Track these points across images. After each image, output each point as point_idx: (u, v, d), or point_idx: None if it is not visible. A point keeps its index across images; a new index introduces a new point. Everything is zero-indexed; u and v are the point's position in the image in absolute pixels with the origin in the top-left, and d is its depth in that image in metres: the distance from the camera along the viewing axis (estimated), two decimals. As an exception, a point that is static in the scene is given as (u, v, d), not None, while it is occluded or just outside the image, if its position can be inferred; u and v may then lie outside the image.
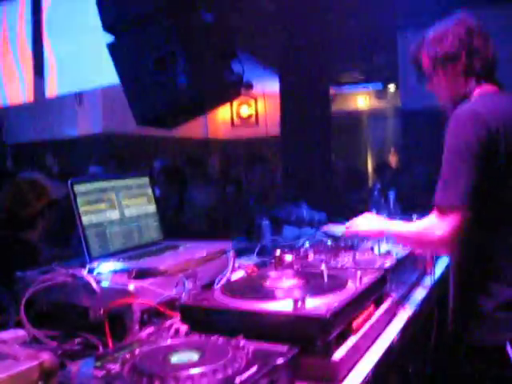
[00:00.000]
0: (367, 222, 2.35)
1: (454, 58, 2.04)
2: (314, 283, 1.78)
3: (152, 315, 1.87)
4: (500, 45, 2.11)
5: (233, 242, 3.01)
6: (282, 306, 1.56)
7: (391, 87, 9.87)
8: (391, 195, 3.59)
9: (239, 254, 2.86)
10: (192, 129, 9.63)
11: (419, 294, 2.36)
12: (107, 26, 3.32)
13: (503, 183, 1.94)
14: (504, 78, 2.12)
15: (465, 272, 2.09)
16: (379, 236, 2.31)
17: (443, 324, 2.25)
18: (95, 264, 2.04)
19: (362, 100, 10.86)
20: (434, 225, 1.93)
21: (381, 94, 10.38)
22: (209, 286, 2.13)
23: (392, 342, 1.83)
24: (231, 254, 2.28)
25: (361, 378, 1.56)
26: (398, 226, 2.23)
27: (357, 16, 6.92)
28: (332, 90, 9.66)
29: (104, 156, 6.85)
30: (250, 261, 2.69)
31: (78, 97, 8.50)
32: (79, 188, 2.15)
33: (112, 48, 3.40)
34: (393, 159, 9.37)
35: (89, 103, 8.66)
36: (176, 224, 4.64)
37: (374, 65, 8.89)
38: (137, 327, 1.81)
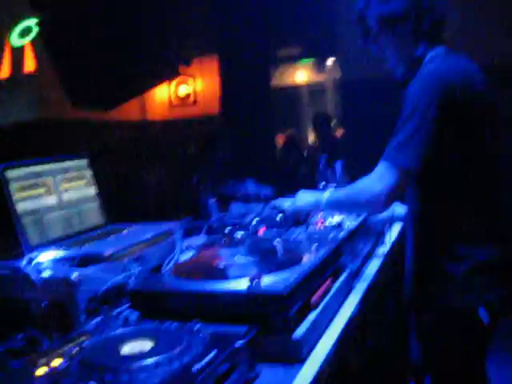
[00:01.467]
0: (302, 198, 2.27)
1: (402, 17, 1.96)
2: (268, 259, 1.70)
3: (99, 304, 1.76)
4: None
5: (180, 222, 2.92)
6: (237, 285, 1.48)
7: (330, 59, 9.84)
8: (338, 165, 3.54)
9: (188, 234, 2.76)
10: (129, 111, 9.40)
11: (374, 264, 2.32)
12: (37, 4, 3.18)
13: (466, 142, 1.88)
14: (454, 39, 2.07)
15: (428, 237, 2.02)
16: (316, 208, 2.21)
17: (399, 294, 2.22)
18: (34, 254, 1.90)
19: (301, 74, 10.80)
20: (371, 181, 1.88)
21: (319, 67, 10.34)
22: (157, 269, 2.03)
23: (352, 316, 1.77)
24: (178, 234, 2.18)
25: (324, 354, 1.50)
26: (332, 192, 2.14)
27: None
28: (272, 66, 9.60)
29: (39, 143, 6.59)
30: (199, 240, 2.59)
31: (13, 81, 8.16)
32: (12, 173, 2.00)
33: (42, 26, 3.24)
34: (337, 131, 9.36)
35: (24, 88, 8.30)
36: (122, 206, 4.50)
37: (311, 38, 8.82)
38: (84, 317, 1.70)
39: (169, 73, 3.87)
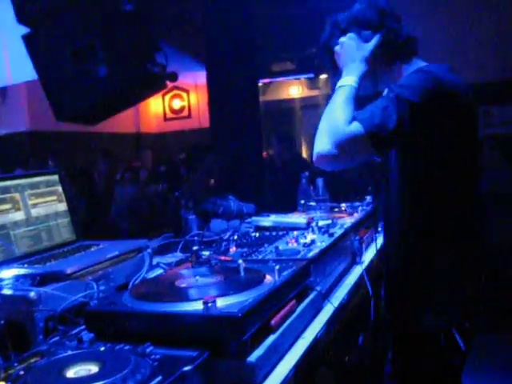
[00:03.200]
0: None
1: (381, 39, 1.96)
2: (229, 280, 1.67)
3: (58, 323, 1.72)
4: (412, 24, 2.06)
5: (159, 238, 2.89)
6: (193, 306, 1.45)
7: (323, 76, 9.86)
8: (319, 183, 3.53)
9: (165, 250, 2.73)
10: (123, 124, 9.41)
11: (347, 285, 2.28)
12: (22, 17, 3.16)
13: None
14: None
15: (405, 262, 2.00)
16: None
17: (378, 312, 2.19)
18: (-4, 270, 1.87)
19: (294, 89, 10.83)
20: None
21: (313, 83, 10.37)
22: (125, 286, 2.00)
23: (316, 338, 1.74)
24: (147, 252, 2.15)
25: (281, 379, 1.47)
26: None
27: (286, 6, 6.86)
28: (264, 80, 9.62)
29: (27, 155, 6.57)
30: (174, 258, 2.56)
31: (2, 93, 8.14)
32: (-23, 189, 1.98)
33: (27, 40, 3.22)
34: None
35: (13, 99, 8.29)
36: (101, 223, 4.47)
37: (305, 55, 8.86)
38: (41, 337, 1.67)
39: (155, 87, 3.83)
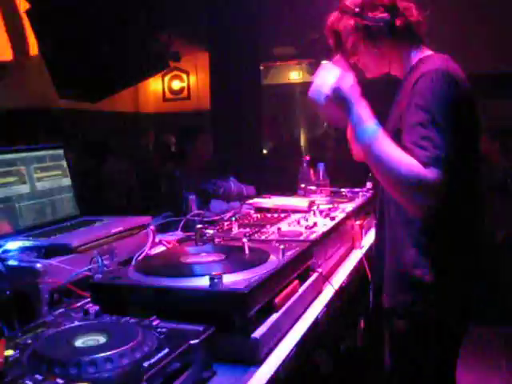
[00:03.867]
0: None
1: (388, 27, 1.95)
2: (234, 258, 1.69)
3: (64, 295, 1.74)
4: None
5: (159, 216, 2.90)
6: (199, 282, 1.47)
7: (324, 62, 9.85)
8: (320, 167, 3.54)
9: (165, 229, 2.75)
10: (122, 103, 9.37)
11: (347, 268, 2.31)
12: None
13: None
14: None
15: (408, 247, 1.96)
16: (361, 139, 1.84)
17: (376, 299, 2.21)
18: (2, 242, 1.89)
19: (295, 74, 10.79)
20: (424, 170, 1.68)
21: (314, 69, 10.36)
22: (128, 262, 2.02)
23: (316, 319, 1.77)
24: (150, 228, 2.17)
25: (283, 357, 1.49)
26: (385, 139, 1.80)
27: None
28: (264, 64, 9.59)
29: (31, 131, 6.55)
30: (175, 236, 2.58)
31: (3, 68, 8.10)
32: (-17, 160, 1.99)
33: (30, 15, 3.20)
34: (325, 131, 9.37)
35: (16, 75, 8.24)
36: (101, 199, 4.48)
37: (306, 40, 8.83)
38: (46, 308, 1.69)
39: (158, 67, 3.84)
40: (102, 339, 1.26)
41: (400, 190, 1.76)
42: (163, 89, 11.03)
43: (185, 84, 10.87)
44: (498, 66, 6.52)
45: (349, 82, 1.86)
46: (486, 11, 6.43)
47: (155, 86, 10.90)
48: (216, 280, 1.42)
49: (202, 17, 6.79)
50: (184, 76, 10.88)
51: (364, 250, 2.57)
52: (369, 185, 3.39)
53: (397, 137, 1.85)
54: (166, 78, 10.89)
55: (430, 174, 1.68)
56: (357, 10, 1.99)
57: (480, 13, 6.41)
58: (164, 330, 1.32)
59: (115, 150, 6.09)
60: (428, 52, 2.02)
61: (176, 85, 10.99)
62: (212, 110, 6.70)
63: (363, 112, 1.83)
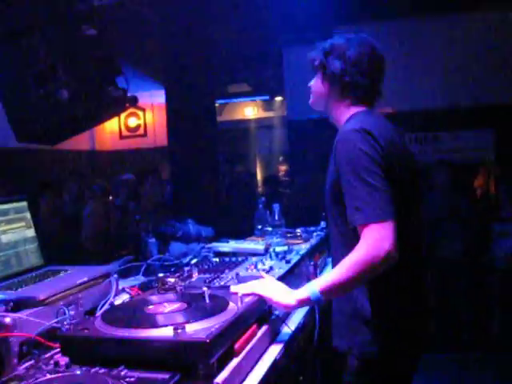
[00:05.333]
0: (275, 290, 2.00)
1: (338, 78, 2.11)
2: (195, 306, 1.79)
3: (32, 347, 1.81)
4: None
5: (120, 261, 2.98)
6: (163, 332, 1.57)
7: (278, 99, 10.08)
8: (276, 208, 3.67)
9: (126, 273, 2.83)
10: (78, 141, 9.40)
11: (302, 310, 2.41)
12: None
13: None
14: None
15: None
16: (313, 303, 1.98)
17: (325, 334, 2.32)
18: (-31, 296, 1.95)
19: (250, 110, 11.01)
20: (373, 245, 1.83)
21: (268, 105, 10.58)
22: (93, 311, 2.10)
23: (275, 360, 1.88)
24: (113, 278, 2.25)
25: (244, 400, 1.60)
26: (326, 277, 1.96)
27: (243, 30, 7.04)
28: (219, 101, 9.78)
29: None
30: (136, 281, 2.67)
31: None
32: (-50, 216, 2.05)
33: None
34: (280, 169, 9.58)
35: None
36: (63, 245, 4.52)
37: (261, 77, 9.05)
38: (15, 361, 1.75)
39: (116, 110, 3.91)
40: (73, 392, 1.35)
41: (376, 273, 1.89)
42: (119, 126, 11.09)
43: (141, 121, 10.97)
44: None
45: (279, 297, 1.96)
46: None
47: (111, 123, 10.95)
48: (179, 330, 1.53)
49: (158, 55, 6.95)
50: (140, 113, 10.98)
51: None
52: (323, 224, 3.54)
53: (333, 190, 2.02)
54: (122, 116, 10.95)
55: (377, 245, 1.82)
56: (327, 49, 2.16)
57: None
58: (132, 379, 1.41)
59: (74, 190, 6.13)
60: (359, 109, 2.15)
61: (132, 122, 11.08)
62: (169, 146, 6.80)
63: (302, 295, 1.93)
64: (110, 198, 5.93)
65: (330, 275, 1.95)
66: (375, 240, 1.83)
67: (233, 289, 1.99)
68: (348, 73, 2.10)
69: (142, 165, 9.26)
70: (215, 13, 6.38)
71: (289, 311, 2.19)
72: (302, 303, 1.95)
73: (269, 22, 6.52)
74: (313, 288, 1.91)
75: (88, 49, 3.59)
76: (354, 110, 2.15)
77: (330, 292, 1.92)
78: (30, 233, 2.39)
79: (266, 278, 2.13)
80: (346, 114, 2.16)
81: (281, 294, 1.96)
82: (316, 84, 2.23)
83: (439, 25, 6.87)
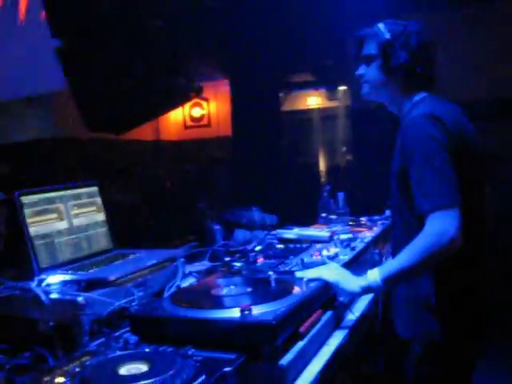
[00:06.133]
0: (340, 276, 2.00)
1: (405, 69, 2.07)
2: (261, 289, 1.81)
3: (102, 326, 1.87)
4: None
5: (185, 247, 3.03)
6: (230, 314, 1.59)
7: (341, 88, 9.98)
8: (340, 196, 3.66)
9: (192, 259, 2.88)
10: (144, 131, 9.57)
11: (367, 297, 2.40)
12: (56, 32, 3.28)
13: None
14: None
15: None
16: (372, 291, 2.00)
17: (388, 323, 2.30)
18: (44, 276, 2.03)
19: (313, 100, 10.94)
20: (438, 232, 1.82)
21: (332, 94, 10.49)
22: (160, 293, 2.15)
23: (339, 345, 1.88)
24: (180, 261, 2.30)
25: (308, 382, 1.61)
26: (389, 264, 1.98)
27: (307, 18, 7.00)
28: (282, 91, 9.77)
29: (53, 161, 6.74)
30: (202, 266, 2.71)
31: (27, 101, 8.33)
32: (26, 199, 2.14)
33: (60, 53, 3.35)
34: (344, 158, 9.51)
35: (38, 107, 8.48)
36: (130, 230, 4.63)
37: (324, 67, 8.99)
38: (87, 338, 1.81)
39: (181, 100, 3.99)
40: (144, 368, 1.39)
41: (440, 259, 1.88)
42: (184, 116, 11.22)
43: (205, 111, 11.06)
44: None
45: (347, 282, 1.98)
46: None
47: (176, 114, 11.09)
48: (246, 312, 1.55)
49: (222, 45, 6.99)
50: (204, 103, 11.07)
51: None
52: (387, 213, 3.50)
53: (400, 174, 1.99)
54: (187, 106, 11.06)
55: (443, 232, 1.81)
56: (388, 37, 2.10)
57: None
58: (199, 358, 1.44)
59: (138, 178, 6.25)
60: (424, 95, 2.12)
61: (196, 112, 11.17)
62: (233, 137, 6.85)
63: (365, 283, 1.94)
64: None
65: (394, 262, 1.96)
66: (441, 226, 1.82)
67: (298, 274, 2.01)
68: (414, 62, 2.07)
69: (207, 154, 9.36)
70: (278, 2, 6.37)
71: (353, 298, 2.18)
72: (366, 290, 1.96)
73: (331, 11, 6.46)
74: (374, 276, 1.92)
75: (155, 40, 3.65)
76: (417, 96, 2.12)
77: (392, 280, 1.92)
78: (101, 217, 2.47)
79: (331, 264, 2.13)
80: (410, 102, 2.13)
81: (346, 281, 1.97)
82: (372, 73, 2.18)
83: None
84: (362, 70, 2.22)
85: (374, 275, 1.92)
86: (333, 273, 2.00)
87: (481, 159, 2.12)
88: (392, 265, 1.95)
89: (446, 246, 1.81)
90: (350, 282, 1.97)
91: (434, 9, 5.99)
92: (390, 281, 1.92)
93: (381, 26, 2.12)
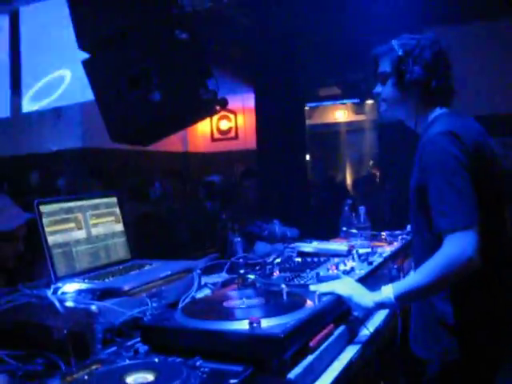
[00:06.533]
0: (354, 291, 1.99)
1: (420, 84, 2.05)
2: (273, 302, 1.81)
3: (115, 335, 1.89)
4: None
5: (205, 258, 3.04)
6: (239, 326, 1.59)
7: (369, 102, 9.98)
8: (361, 210, 3.63)
9: (211, 271, 2.89)
10: (172, 143, 9.66)
11: (383, 312, 2.38)
12: (83, 44, 3.33)
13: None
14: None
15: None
16: (385, 307, 2.01)
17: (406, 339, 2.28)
18: (60, 284, 2.06)
19: (340, 114, 10.96)
20: (455, 251, 1.80)
21: (359, 108, 10.49)
22: (174, 305, 2.16)
23: (351, 361, 1.86)
24: (197, 273, 2.31)
25: (317, 397, 1.60)
26: (404, 281, 2.00)
27: (334, 31, 7.01)
28: (310, 104, 9.80)
29: (83, 171, 6.84)
30: (220, 278, 2.71)
31: (57, 112, 8.48)
32: (45, 208, 2.17)
33: (87, 65, 3.42)
34: (372, 172, 9.48)
35: (68, 118, 8.62)
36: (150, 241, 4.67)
37: (351, 80, 8.99)
38: (99, 347, 1.83)
39: (206, 113, 4.01)
40: (150, 377, 1.40)
41: (457, 279, 1.87)
42: (211, 129, 11.30)
43: (232, 124, 11.11)
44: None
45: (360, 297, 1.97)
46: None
47: (203, 126, 11.18)
48: (255, 324, 1.55)
49: (248, 58, 7.03)
50: (231, 116, 11.13)
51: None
52: (409, 227, 3.47)
53: (418, 191, 1.98)
54: (214, 118, 11.15)
55: (460, 252, 1.79)
56: (401, 53, 2.08)
57: None
58: (206, 369, 1.44)
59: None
60: (441, 111, 2.10)
61: (224, 125, 11.24)
62: (258, 149, 6.88)
63: (379, 298, 1.93)
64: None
65: (408, 280, 1.96)
66: (458, 246, 1.81)
67: (312, 288, 2.00)
68: (429, 77, 2.05)
69: (233, 166, 9.39)
70: (305, 15, 6.39)
71: (367, 313, 2.17)
72: (379, 306, 1.95)
73: (358, 24, 6.46)
74: (388, 292, 1.90)
75: (180, 52, 3.69)
76: (436, 112, 2.11)
77: (405, 297, 1.91)
78: (119, 227, 2.50)
79: (346, 278, 2.12)
80: (429, 118, 2.12)
81: (360, 296, 1.96)
82: (388, 91, 2.16)
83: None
84: (378, 88, 2.21)
85: (387, 291, 1.91)
86: (347, 287, 1.99)
87: (501, 177, 2.09)
88: (407, 282, 1.95)
89: (463, 267, 1.80)
90: (364, 296, 1.96)
91: (458, 21, 5.95)
92: (403, 298, 1.90)
93: (394, 42, 2.12)
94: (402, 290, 1.90)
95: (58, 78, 5.12)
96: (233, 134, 11.08)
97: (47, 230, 2.15)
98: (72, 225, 2.27)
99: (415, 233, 2.16)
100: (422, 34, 2.15)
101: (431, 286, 1.87)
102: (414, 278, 1.92)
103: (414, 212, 2.11)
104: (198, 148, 11.35)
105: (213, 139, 11.28)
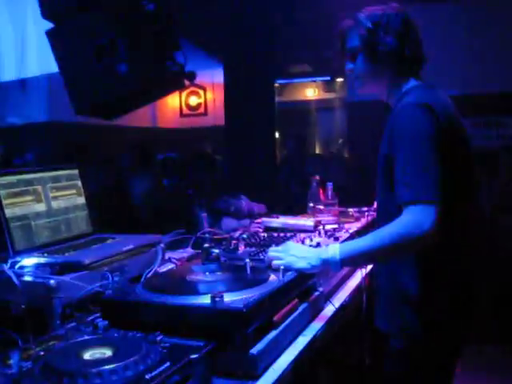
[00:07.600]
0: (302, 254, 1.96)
1: (394, 54, 2.00)
2: (236, 277, 1.78)
3: (75, 310, 1.84)
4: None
5: (172, 233, 3.00)
6: (201, 300, 1.56)
7: (339, 80, 9.94)
8: (329, 187, 3.62)
9: (176, 246, 2.85)
10: (140, 118, 9.53)
11: (349, 287, 2.38)
12: (46, 14, 3.24)
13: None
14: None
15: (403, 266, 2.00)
16: (327, 268, 1.96)
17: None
18: (18, 258, 1.99)
19: (310, 91, 10.90)
20: (413, 222, 1.78)
21: (329, 86, 10.45)
22: (138, 278, 2.12)
23: (315, 336, 1.85)
24: (160, 247, 2.26)
25: (279, 372, 1.57)
26: (353, 243, 1.96)
27: (305, 9, 6.94)
28: (280, 81, 9.73)
29: (48, 145, 6.70)
30: (185, 253, 2.68)
31: (22, 84, 8.28)
32: (2, 180, 2.10)
33: (51, 35, 3.32)
34: (339, 150, 9.49)
35: (33, 90, 8.43)
36: (114, 215, 4.59)
37: (322, 58, 8.93)
38: (58, 322, 1.78)
39: (173, 86, 3.93)
40: (108, 352, 1.36)
41: (408, 250, 1.87)
42: (180, 104, 11.18)
43: (202, 100, 11.01)
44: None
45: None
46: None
47: (173, 101, 11.05)
48: (217, 299, 1.52)
49: (218, 33, 6.93)
50: (201, 92, 11.02)
51: (366, 270, 2.63)
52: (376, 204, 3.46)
53: (386, 163, 1.95)
54: (184, 94, 11.03)
55: (417, 223, 1.76)
56: (370, 25, 2.02)
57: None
58: (167, 345, 1.41)
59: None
60: (415, 83, 2.07)
61: (193, 101, 11.13)
62: (226, 126, 6.81)
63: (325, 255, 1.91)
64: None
65: (358, 242, 1.92)
66: (417, 218, 1.78)
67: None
68: (402, 45, 2.00)
69: (202, 143, 9.32)
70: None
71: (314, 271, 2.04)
72: (324, 263, 1.91)
73: (329, 2, 6.41)
74: (334, 251, 1.88)
75: (147, 24, 3.61)
76: (410, 83, 2.07)
77: (350, 259, 1.90)
78: (81, 200, 2.43)
79: (288, 243, 2.10)
80: (403, 88, 2.08)
81: (299, 260, 1.92)
82: (361, 67, 2.10)
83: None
84: (350, 65, 2.14)
85: (334, 250, 1.89)
86: (287, 255, 1.96)
87: (470, 151, 2.07)
88: (356, 244, 1.92)
89: (416, 239, 1.77)
90: (310, 254, 1.95)
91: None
92: (348, 260, 1.89)
93: (359, 15, 2.07)
94: (349, 251, 1.88)
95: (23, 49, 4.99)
96: (202, 109, 10.99)
97: (5, 202, 2.08)
98: (31, 197, 2.20)
99: (380, 204, 2.14)
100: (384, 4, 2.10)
101: (379, 252, 1.86)
102: (363, 241, 1.88)
103: (379, 182, 2.08)
104: (167, 124, 11.23)
105: (182, 115, 11.17)
